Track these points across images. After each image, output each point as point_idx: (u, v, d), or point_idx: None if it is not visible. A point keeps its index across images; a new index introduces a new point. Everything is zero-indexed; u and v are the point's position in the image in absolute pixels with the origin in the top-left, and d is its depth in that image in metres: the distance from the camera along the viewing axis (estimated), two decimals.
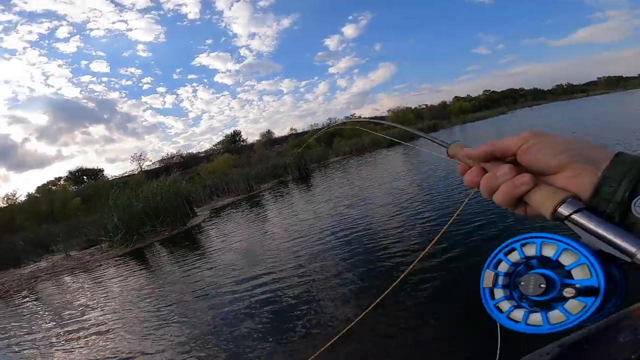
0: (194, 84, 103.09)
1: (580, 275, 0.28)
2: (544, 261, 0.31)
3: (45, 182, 39.38)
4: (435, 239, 3.79)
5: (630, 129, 10.08)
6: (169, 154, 54.80)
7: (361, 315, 2.33)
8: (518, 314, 0.32)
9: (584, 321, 0.27)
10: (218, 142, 56.80)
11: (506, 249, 0.34)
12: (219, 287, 4.73)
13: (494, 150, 0.35)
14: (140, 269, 7.41)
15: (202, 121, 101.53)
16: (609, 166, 0.27)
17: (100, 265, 9.04)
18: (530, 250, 0.32)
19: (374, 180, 11.02)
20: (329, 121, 55.19)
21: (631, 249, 0.24)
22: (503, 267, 0.34)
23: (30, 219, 24.25)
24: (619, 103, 26.59)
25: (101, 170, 46.68)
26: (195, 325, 3.73)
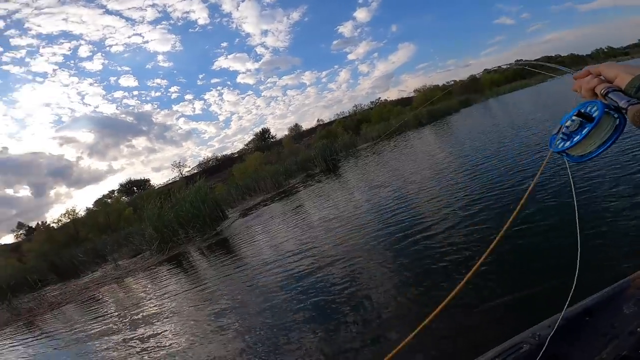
0: (219, 88, 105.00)
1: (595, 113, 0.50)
2: (586, 115, 0.51)
3: (101, 195, 42.48)
4: (507, 224, 2.87)
5: None
6: (206, 157, 56.58)
7: (436, 310, 1.80)
8: (564, 142, 0.54)
9: (588, 133, 0.49)
10: (249, 142, 57.41)
11: (567, 116, 0.55)
12: (252, 289, 4.35)
13: (590, 71, 0.58)
14: (172, 275, 7.23)
15: (231, 122, 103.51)
16: (638, 75, 0.48)
17: (143, 272, 9.11)
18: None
19: (406, 163, 9.94)
20: (355, 108, 53.68)
21: (624, 103, 0.46)
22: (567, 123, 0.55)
23: (92, 231, 25.98)
24: None
25: (147, 180, 49.19)
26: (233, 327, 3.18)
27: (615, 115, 0.48)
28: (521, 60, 0.78)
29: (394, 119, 30.70)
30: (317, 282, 3.85)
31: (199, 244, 9.93)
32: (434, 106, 31.39)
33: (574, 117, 0.52)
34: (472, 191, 5.09)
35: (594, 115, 0.49)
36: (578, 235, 1.23)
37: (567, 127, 0.52)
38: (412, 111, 34.32)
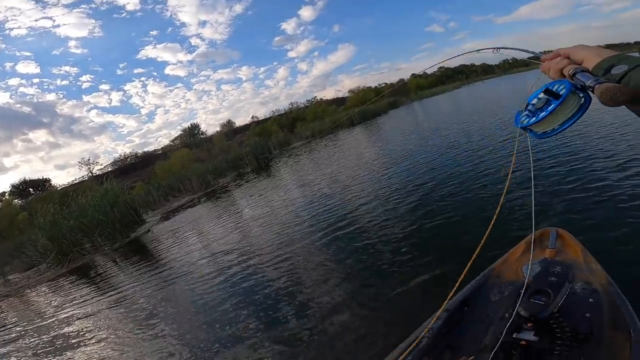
0: (143, 79, 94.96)
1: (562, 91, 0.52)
2: (553, 93, 0.53)
3: None
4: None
5: None
6: (123, 154, 50.65)
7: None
8: (529, 119, 0.56)
9: (554, 109, 0.51)
10: (176, 137, 53.22)
11: (535, 94, 0.57)
12: (173, 296, 4.01)
13: (560, 53, 0.59)
14: (73, 291, 6.29)
15: (156, 116, 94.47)
16: (606, 58, 0.50)
17: (35, 289, 7.77)
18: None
19: (338, 161, 10.26)
20: (291, 106, 53.80)
21: (591, 82, 0.47)
22: (534, 101, 0.57)
23: None
24: None
25: (47, 180, 42.18)
26: None
27: (581, 95, 0.50)
28: (500, 47, 0.88)
29: (328, 118, 31.54)
30: (247, 282, 3.77)
31: (109, 253, 8.89)
32: (365, 106, 33.25)
33: (540, 95, 0.54)
34: (401, 185, 5.53)
35: (560, 93, 0.51)
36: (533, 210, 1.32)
37: (533, 104, 0.54)
38: (346, 111, 35.78)
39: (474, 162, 5.65)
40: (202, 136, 49.35)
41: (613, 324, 1.39)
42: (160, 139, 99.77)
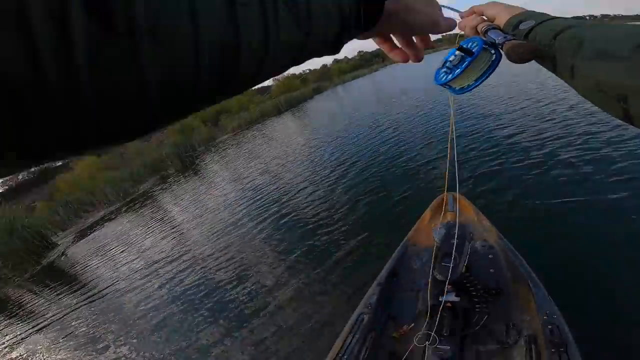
0: None
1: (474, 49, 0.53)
2: (467, 50, 0.53)
3: None
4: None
5: None
6: None
7: None
8: (447, 76, 0.56)
9: (468, 66, 0.52)
10: None
11: (451, 52, 0.57)
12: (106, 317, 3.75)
13: (474, 10, 0.60)
14: None
15: None
16: (515, 15, 0.51)
17: None
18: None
19: (269, 150, 10.17)
20: None
21: (500, 39, 0.47)
22: (451, 57, 0.57)
23: None
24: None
25: None
26: None
27: (492, 51, 0.52)
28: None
29: (254, 108, 30.79)
30: (189, 285, 3.71)
31: (23, 284, 7.68)
32: (291, 94, 33.25)
33: (456, 53, 0.55)
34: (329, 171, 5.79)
35: (473, 50, 0.52)
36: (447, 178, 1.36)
37: (450, 61, 0.56)
38: (272, 99, 35.29)
39: (397, 136, 6.27)
40: None
41: (513, 277, 1.60)
42: None
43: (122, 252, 6.52)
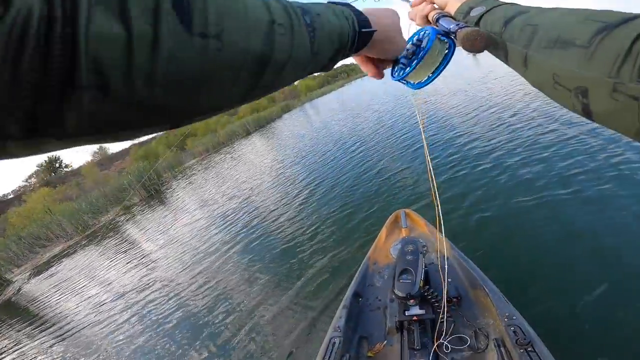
0: None
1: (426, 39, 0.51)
2: (418, 44, 0.52)
3: None
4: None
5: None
6: None
7: None
8: (402, 71, 0.54)
9: (422, 59, 0.51)
10: (31, 175, 43.80)
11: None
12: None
13: None
14: None
15: None
16: (466, 1, 0.50)
17: None
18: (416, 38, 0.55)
19: (239, 173, 10.29)
20: None
21: (453, 27, 0.47)
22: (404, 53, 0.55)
23: None
24: None
25: None
26: None
27: (446, 40, 0.51)
28: None
29: (222, 130, 30.74)
30: (164, 313, 3.77)
31: None
32: (259, 114, 33.52)
33: (409, 46, 0.53)
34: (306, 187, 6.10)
35: (425, 42, 0.50)
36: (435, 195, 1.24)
37: (404, 56, 0.54)
38: (239, 120, 35.38)
39: (362, 152, 6.71)
40: (66, 170, 41.72)
41: (470, 284, 1.68)
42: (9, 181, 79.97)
43: (83, 286, 6.39)
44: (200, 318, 3.39)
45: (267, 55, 0.26)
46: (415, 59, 0.51)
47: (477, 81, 9.21)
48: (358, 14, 0.41)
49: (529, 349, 1.25)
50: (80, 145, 0.20)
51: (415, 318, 1.42)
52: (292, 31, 0.28)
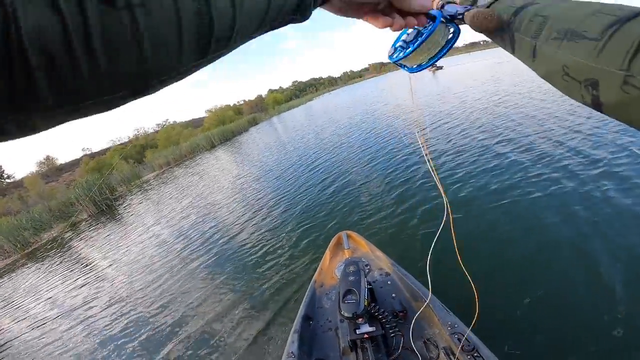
0: None
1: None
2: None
3: None
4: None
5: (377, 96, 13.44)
6: None
7: None
8: (400, 53, 0.56)
9: (431, 32, 0.51)
10: None
11: (405, 30, 0.54)
12: None
13: None
14: None
15: None
16: None
17: None
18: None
19: (202, 187, 10.19)
20: (136, 133, 48.57)
21: (461, 9, 0.47)
22: (404, 37, 0.57)
23: None
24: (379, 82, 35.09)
25: None
26: None
27: (450, 26, 0.51)
28: None
29: (185, 142, 30.13)
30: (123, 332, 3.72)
31: None
32: (225, 127, 33.23)
33: (410, 30, 0.53)
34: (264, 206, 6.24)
35: (429, 25, 0.51)
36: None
37: (404, 40, 0.54)
38: (204, 132, 34.86)
39: (322, 168, 6.98)
40: (7, 181, 38.59)
41: (412, 297, 1.76)
42: None
43: (18, 307, 6.04)
44: (143, 341, 3.41)
45: (204, 9, 0.26)
46: (416, 42, 0.52)
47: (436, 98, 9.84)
48: None
49: (475, 354, 1.33)
50: (62, 120, 0.23)
51: (366, 336, 1.46)
52: None
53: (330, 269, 2.16)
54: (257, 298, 3.31)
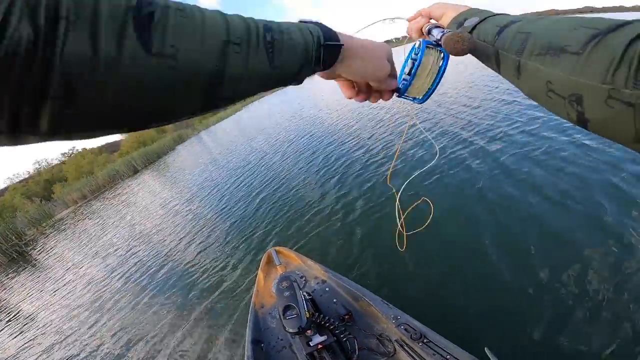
0: None
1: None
2: (415, 58, 0.55)
3: None
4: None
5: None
6: None
7: None
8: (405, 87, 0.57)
9: (416, 71, 0.54)
10: None
11: (405, 62, 0.57)
12: None
13: (421, 13, 0.63)
14: None
15: None
16: (462, 12, 0.54)
17: None
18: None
19: (125, 219, 9.76)
20: (37, 167, 43.04)
21: (438, 35, 0.50)
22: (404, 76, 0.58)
23: None
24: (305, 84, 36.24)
25: None
26: None
27: (439, 50, 0.53)
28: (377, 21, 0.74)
29: (101, 171, 27.70)
30: None
31: None
32: (146, 148, 31.10)
33: (408, 62, 0.55)
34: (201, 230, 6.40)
35: (418, 54, 0.53)
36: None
37: (405, 73, 0.56)
38: (122, 157, 32.30)
39: (250, 183, 7.17)
40: None
41: (353, 298, 1.79)
42: None
43: None
44: None
45: (220, 71, 0.30)
46: (413, 73, 0.54)
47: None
48: (326, 30, 0.43)
49: (425, 340, 1.37)
50: (56, 141, 0.25)
51: (320, 346, 1.46)
52: (247, 49, 0.33)
53: (267, 288, 2.16)
54: (196, 330, 3.21)
